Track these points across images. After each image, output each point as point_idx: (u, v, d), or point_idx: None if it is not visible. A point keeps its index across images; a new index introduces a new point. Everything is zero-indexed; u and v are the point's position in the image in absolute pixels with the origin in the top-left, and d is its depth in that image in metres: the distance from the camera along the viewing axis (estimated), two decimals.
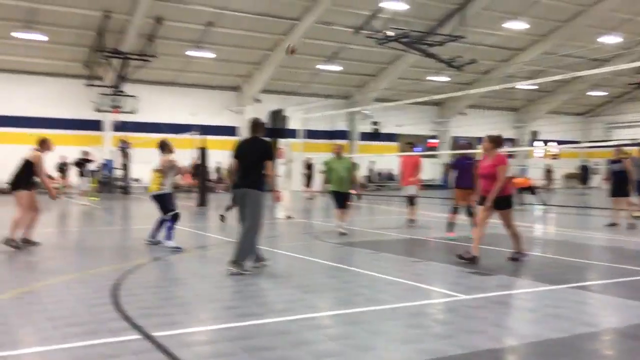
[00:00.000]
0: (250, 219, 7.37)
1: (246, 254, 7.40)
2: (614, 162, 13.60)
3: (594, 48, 29.32)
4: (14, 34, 25.29)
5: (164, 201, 9.75)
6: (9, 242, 9.20)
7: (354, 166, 12.36)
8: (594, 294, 6.52)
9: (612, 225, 13.27)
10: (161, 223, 9.93)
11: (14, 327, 4.93)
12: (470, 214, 10.92)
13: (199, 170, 20.17)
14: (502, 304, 6.02)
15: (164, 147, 9.98)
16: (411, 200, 13.50)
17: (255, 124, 7.73)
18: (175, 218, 9.67)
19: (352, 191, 12.19)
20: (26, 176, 9.43)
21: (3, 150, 24.57)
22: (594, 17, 29.34)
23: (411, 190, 13.49)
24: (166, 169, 9.78)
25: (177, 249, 9.24)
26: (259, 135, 7.67)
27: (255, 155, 7.44)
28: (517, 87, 33.35)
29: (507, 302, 6.15)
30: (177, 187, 25.72)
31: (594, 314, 5.73)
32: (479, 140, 10.09)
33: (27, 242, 9.53)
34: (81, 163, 20.96)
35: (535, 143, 42.00)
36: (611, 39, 30.66)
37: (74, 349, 4.36)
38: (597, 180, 34.25)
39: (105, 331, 4.77)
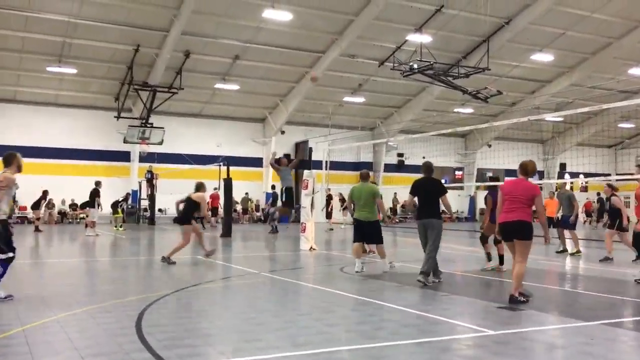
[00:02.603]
0: (434, 242, 9.16)
1: (431, 268, 9.13)
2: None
3: (622, 80, 29.01)
4: (49, 69, 26.10)
5: None
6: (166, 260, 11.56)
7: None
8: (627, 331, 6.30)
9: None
10: None
11: (38, 356, 4.93)
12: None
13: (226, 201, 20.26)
14: (532, 340, 5.84)
15: (10, 160, 7.54)
16: None
17: (428, 167, 9.56)
18: (9, 260, 7.36)
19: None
20: (191, 212, 12.24)
21: (36, 181, 25.01)
22: (622, 50, 29.12)
23: None
24: (6, 188, 7.36)
25: (8, 298, 7.28)
26: (431, 174, 9.48)
27: (433, 191, 9.32)
28: (545, 119, 33.07)
29: (537, 339, 5.96)
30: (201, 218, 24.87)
31: (626, 352, 5.52)
32: (506, 172, 10.11)
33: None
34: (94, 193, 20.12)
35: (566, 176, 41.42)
36: None
37: None
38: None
39: None
